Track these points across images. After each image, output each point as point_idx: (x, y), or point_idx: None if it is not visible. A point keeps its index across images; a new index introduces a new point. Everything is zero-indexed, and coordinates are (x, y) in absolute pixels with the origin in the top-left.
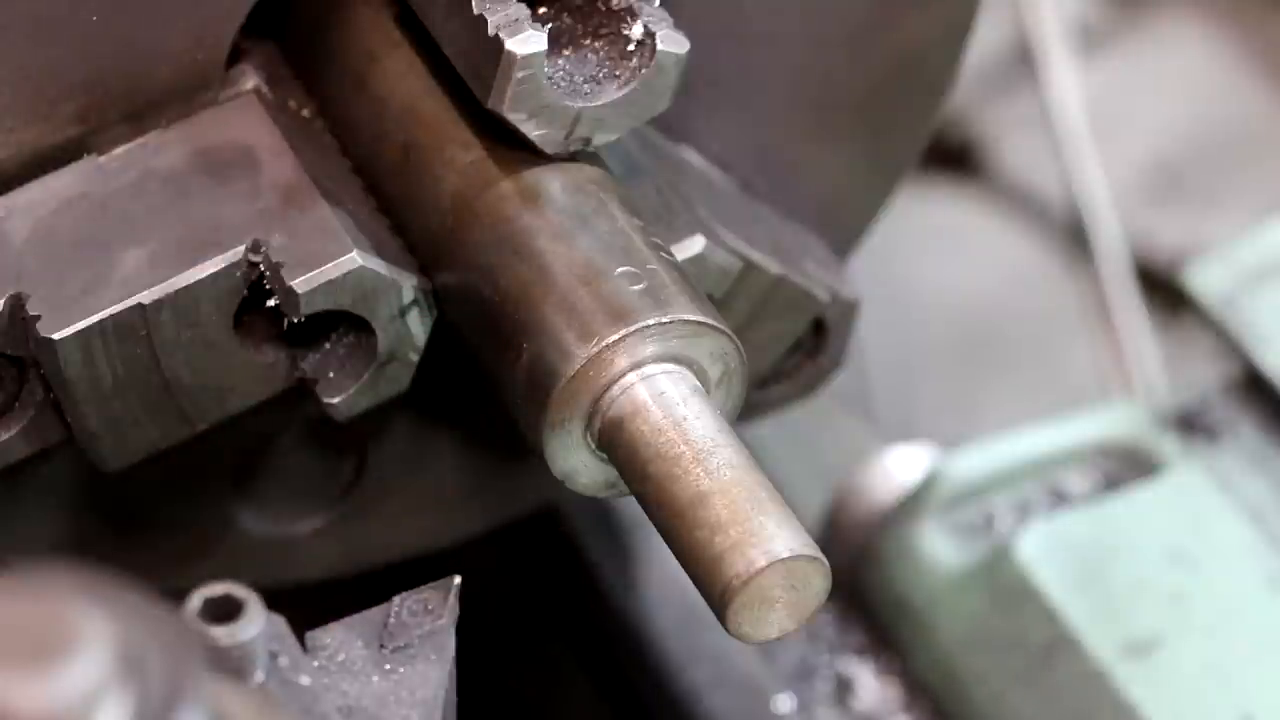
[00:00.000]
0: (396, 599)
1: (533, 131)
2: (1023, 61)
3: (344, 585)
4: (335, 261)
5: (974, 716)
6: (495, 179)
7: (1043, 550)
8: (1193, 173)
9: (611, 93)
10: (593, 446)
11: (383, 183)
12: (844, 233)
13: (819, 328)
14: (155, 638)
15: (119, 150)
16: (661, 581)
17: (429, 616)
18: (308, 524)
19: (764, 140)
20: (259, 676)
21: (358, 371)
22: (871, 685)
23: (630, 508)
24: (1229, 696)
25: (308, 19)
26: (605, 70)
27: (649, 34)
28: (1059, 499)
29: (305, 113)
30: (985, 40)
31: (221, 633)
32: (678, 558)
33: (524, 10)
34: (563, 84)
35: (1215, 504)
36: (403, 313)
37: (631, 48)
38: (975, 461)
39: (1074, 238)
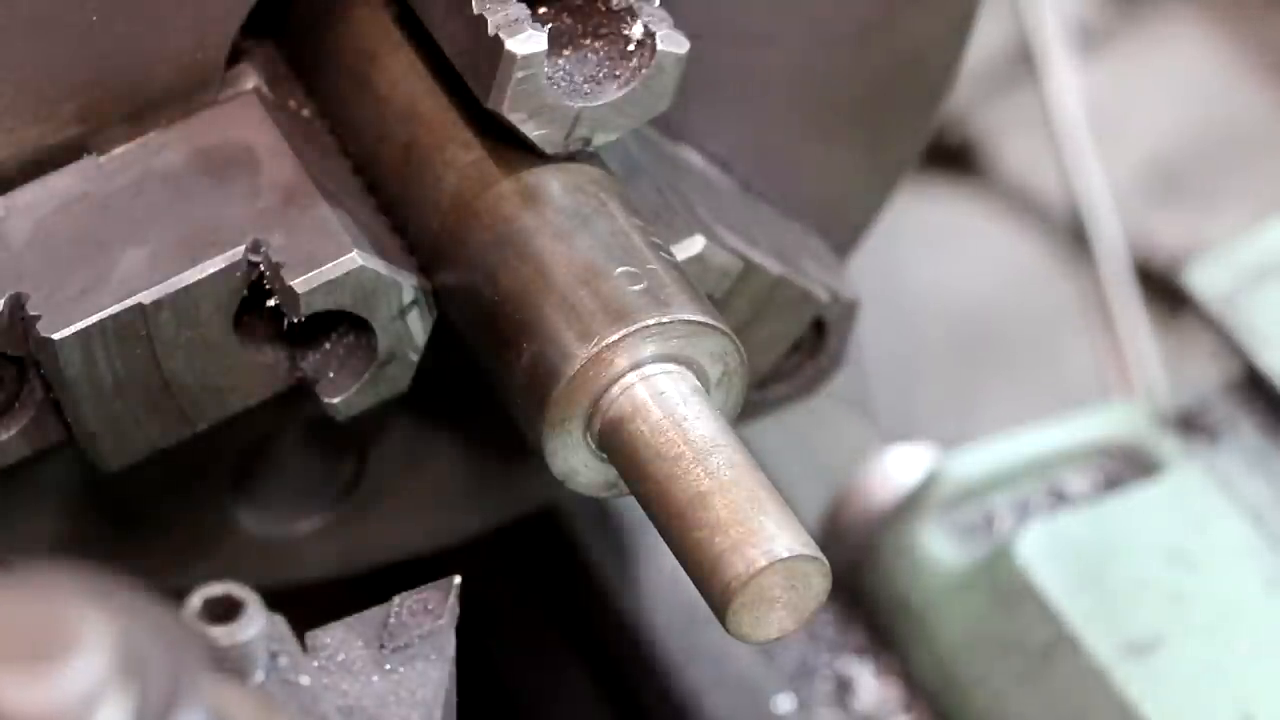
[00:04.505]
0: (396, 599)
1: (533, 131)
2: (1023, 61)
3: (344, 585)
4: (335, 261)
5: (974, 716)
6: (495, 179)
7: (1043, 550)
8: (1193, 173)
9: (611, 93)
10: (593, 446)
11: (383, 183)
12: (844, 233)
13: (819, 328)
14: (155, 638)
15: (119, 150)
16: (661, 581)
17: (429, 616)
18: (308, 524)
19: (764, 140)
20: (259, 676)
21: (358, 371)
22: (871, 685)
23: (630, 508)
24: (1229, 696)
25: (307, 19)
26: (605, 70)
27: (649, 34)
28: (1059, 499)
29: (305, 113)
30: (985, 40)
31: (221, 633)
32: (677, 558)
33: (524, 10)
34: (563, 84)
35: (1215, 504)
36: (403, 313)
37: (631, 48)
38: (975, 461)
39: (1074, 238)
